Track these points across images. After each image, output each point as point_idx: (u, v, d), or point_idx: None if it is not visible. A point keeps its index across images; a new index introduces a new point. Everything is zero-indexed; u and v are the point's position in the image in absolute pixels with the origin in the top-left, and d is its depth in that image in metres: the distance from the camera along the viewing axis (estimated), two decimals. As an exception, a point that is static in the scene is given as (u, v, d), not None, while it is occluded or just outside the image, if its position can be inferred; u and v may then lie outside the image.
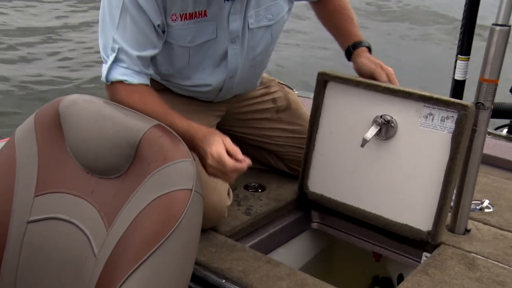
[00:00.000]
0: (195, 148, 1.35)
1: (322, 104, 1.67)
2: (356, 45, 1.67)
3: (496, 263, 1.44)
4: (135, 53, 1.36)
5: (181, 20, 1.40)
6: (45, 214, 1.26)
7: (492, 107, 1.50)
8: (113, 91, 1.39)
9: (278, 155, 1.84)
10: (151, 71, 1.43)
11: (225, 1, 1.43)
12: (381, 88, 1.54)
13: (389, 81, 1.58)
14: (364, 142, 1.51)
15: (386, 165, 1.56)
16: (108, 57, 1.37)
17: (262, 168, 1.87)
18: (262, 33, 1.57)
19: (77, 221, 1.25)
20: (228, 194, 1.55)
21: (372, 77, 1.59)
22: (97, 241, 1.21)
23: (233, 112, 1.74)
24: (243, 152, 1.88)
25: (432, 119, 1.49)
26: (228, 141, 1.34)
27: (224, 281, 1.26)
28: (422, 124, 1.50)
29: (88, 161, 1.25)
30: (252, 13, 1.50)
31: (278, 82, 1.87)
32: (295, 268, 1.34)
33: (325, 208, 1.67)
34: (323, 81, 1.65)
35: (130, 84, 1.38)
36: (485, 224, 1.66)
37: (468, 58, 2.02)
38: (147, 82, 1.42)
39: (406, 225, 1.55)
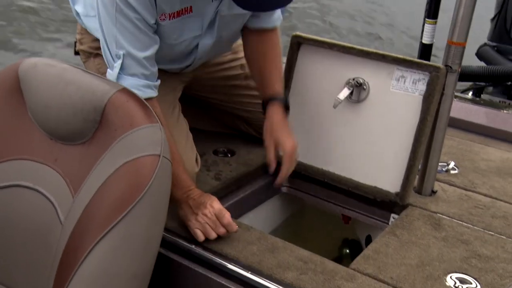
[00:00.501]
0: (183, 197, 1.34)
1: (294, 67, 1.67)
2: (273, 98, 1.55)
3: (461, 222, 1.49)
4: (141, 54, 1.33)
5: (169, 19, 1.37)
6: (7, 181, 1.24)
7: (459, 70, 1.52)
8: None
9: (247, 121, 1.84)
10: (156, 68, 1.39)
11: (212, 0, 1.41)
12: (354, 51, 1.55)
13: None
14: (337, 102, 1.52)
15: (357, 128, 1.58)
16: (113, 62, 1.34)
17: (231, 132, 1.86)
18: (234, 20, 1.54)
19: (42, 189, 1.23)
20: (196, 161, 1.55)
21: (276, 146, 1.53)
22: (63, 209, 1.20)
23: (200, 78, 1.72)
24: (211, 117, 1.90)
25: (404, 82, 1.51)
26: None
27: (194, 246, 1.27)
28: (394, 87, 1.52)
29: (51, 127, 1.22)
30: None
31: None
32: (265, 232, 1.35)
33: (294, 171, 1.68)
34: (297, 43, 1.65)
35: None
36: (451, 185, 1.70)
37: (435, 21, 2.01)
38: (155, 93, 1.38)
39: (375, 187, 1.58)
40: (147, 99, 1.28)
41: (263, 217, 1.73)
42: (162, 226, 1.14)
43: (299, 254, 1.27)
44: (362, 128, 1.58)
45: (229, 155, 1.74)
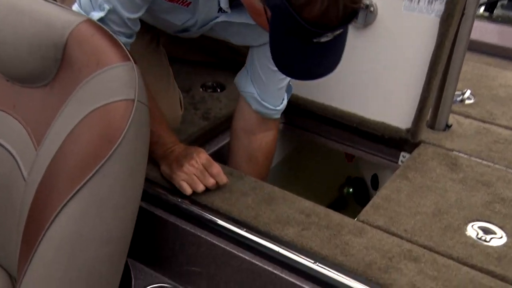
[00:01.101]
0: (167, 153, 1.19)
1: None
2: None
3: (480, 160, 1.35)
4: (126, 14, 1.12)
5: (165, 1, 1.17)
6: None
7: (482, -15, 1.33)
8: None
9: (239, 50, 1.65)
10: (138, 27, 1.19)
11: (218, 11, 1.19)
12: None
13: None
14: None
15: (363, 57, 1.41)
16: (91, 9, 1.13)
17: (219, 63, 1.69)
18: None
19: (0, 139, 1.08)
20: (180, 102, 1.38)
21: None
22: (25, 163, 1.05)
23: None
24: (196, 46, 1.71)
25: (418, 2, 1.32)
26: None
27: (180, 200, 1.13)
28: (406, 8, 1.34)
29: (5, 67, 1.05)
30: None
31: None
32: (260, 181, 1.21)
33: (292, 107, 1.53)
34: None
35: None
36: (467, 117, 1.56)
37: None
38: (132, 40, 1.19)
39: (383, 123, 1.43)
40: None
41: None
42: (141, 182, 1.00)
43: (300, 206, 1.14)
44: (369, 57, 1.41)
45: (219, 90, 1.58)
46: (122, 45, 0.99)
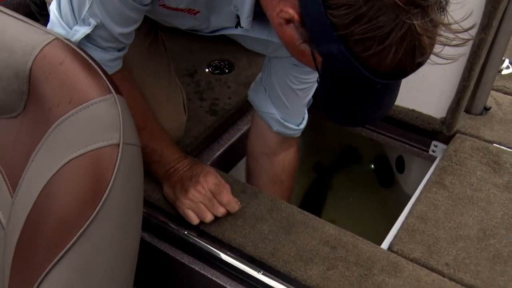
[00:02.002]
0: (169, 172, 0.94)
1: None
2: None
3: (525, 155, 1.10)
4: (118, 30, 0.82)
5: (166, 9, 0.84)
6: None
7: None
8: None
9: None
10: (132, 39, 0.88)
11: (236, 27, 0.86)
12: None
13: None
14: None
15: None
16: (73, 23, 0.82)
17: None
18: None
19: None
20: (184, 106, 1.11)
21: None
22: (2, 209, 0.81)
23: None
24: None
25: (459, -24, 1.00)
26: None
27: (186, 232, 0.90)
28: (445, -16, 1.02)
29: (-33, 94, 0.80)
30: None
31: None
32: (277, 199, 0.97)
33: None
34: None
35: None
36: (506, 93, 1.27)
37: None
38: (121, 64, 0.89)
39: (414, 110, 1.17)
40: (113, 75, 0.86)
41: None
42: (136, 239, 0.77)
43: (324, 234, 0.91)
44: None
45: (227, 71, 1.30)
46: (100, 72, 0.73)
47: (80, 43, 0.82)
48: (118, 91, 0.73)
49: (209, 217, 0.90)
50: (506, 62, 1.35)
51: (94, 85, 0.71)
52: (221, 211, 0.90)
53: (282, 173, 1.10)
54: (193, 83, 1.24)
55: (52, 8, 0.84)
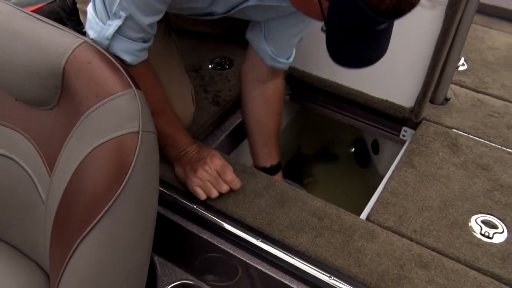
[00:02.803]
0: (180, 155, 0.95)
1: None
2: (276, 169, 1.13)
3: (478, 139, 1.11)
4: (146, 21, 0.81)
5: None
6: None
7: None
8: None
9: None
10: (155, 29, 0.88)
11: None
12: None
13: None
14: None
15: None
16: (107, 20, 0.81)
17: (226, 34, 1.39)
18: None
19: (19, 159, 0.85)
20: (192, 98, 1.11)
21: None
22: (42, 186, 0.82)
23: None
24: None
25: (426, -14, 1.00)
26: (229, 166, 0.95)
27: (195, 206, 0.91)
28: (413, -7, 1.02)
29: (11, 90, 0.79)
30: None
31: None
32: (271, 177, 0.98)
33: (298, 82, 1.26)
34: None
35: (129, 65, 0.86)
36: (462, 86, 1.29)
37: None
38: (147, 54, 0.88)
39: (386, 100, 1.17)
40: (137, 66, 0.86)
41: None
42: (154, 213, 0.78)
43: (312, 207, 0.92)
44: (374, 38, 1.11)
45: (227, 67, 1.30)
46: (122, 70, 0.73)
47: (113, 37, 0.82)
48: (137, 86, 0.74)
49: (214, 193, 0.91)
50: (462, 60, 1.37)
51: (117, 81, 0.71)
52: (225, 188, 0.91)
53: (273, 96, 1.10)
54: (198, 77, 1.24)
55: (89, 8, 0.84)
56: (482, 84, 1.29)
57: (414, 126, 1.17)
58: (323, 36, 1.17)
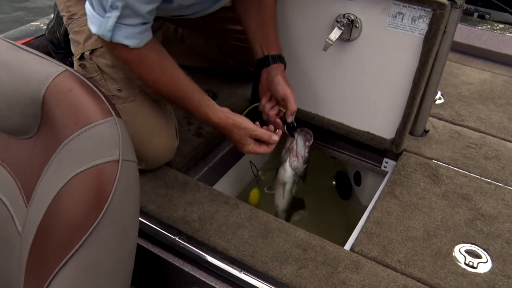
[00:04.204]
0: (220, 132, 1.03)
1: (275, 5, 1.15)
2: (277, 58, 1.05)
3: (457, 170, 1.11)
4: (144, 8, 0.82)
5: None
6: None
7: (463, 4, 1.04)
8: (117, 53, 0.89)
9: (230, 53, 1.35)
10: (154, 15, 0.88)
11: None
12: (344, -15, 1.04)
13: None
14: (327, 45, 1.05)
15: (349, 70, 1.13)
16: (104, 13, 0.82)
17: (211, 68, 1.38)
18: None
19: (-5, 190, 0.81)
20: (176, 132, 1.09)
21: (283, 99, 1.04)
22: (19, 217, 0.78)
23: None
24: (191, 49, 1.40)
25: (402, 19, 1.02)
26: (256, 134, 1.01)
27: (177, 238, 0.87)
28: (390, 25, 1.04)
29: (-13, 117, 0.77)
30: None
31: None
32: (255, 208, 0.96)
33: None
34: (275, -24, 1.12)
35: (135, 49, 0.86)
36: (440, 119, 1.30)
37: None
38: (151, 34, 0.89)
39: (367, 132, 1.17)
40: (142, 48, 0.87)
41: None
42: (133, 244, 0.74)
43: (296, 238, 0.89)
44: (355, 70, 1.12)
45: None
46: (103, 97, 0.71)
47: (115, 27, 0.83)
48: (118, 114, 0.71)
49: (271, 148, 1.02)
50: (439, 94, 1.38)
51: (97, 109, 0.69)
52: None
53: (268, 13, 1.08)
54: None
55: (87, 5, 0.85)
56: (459, 117, 1.30)
57: (395, 157, 1.16)
58: (303, 71, 1.18)
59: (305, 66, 1.18)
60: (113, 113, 0.70)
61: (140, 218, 0.93)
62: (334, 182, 1.47)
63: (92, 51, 0.96)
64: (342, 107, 1.18)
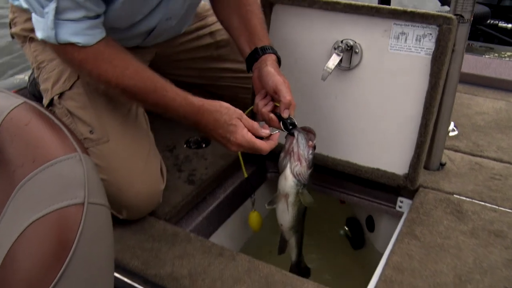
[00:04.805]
0: (204, 130, 0.86)
1: (268, 34, 1.10)
2: (267, 49, 0.95)
3: (484, 204, 0.99)
4: None
5: None
6: None
7: (471, 19, 0.97)
8: (69, 57, 0.82)
9: (224, 99, 1.28)
10: (103, 7, 0.82)
11: None
12: (340, 6, 0.98)
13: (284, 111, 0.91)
14: (326, 73, 0.98)
15: (352, 101, 1.05)
16: (41, 8, 0.77)
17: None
18: None
19: None
20: (162, 172, 1.00)
21: (275, 92, 0.91)
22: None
23: (164, 54, 1.15)
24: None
25: (405, 40, 0.96)
26: (245, 118, 0.85)
27: (164, 297, 0.75)
28: (393, 47, 0.97)
29: None
30: None
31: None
32: (255, 260, 0.83)
33: (278, 155, 1.16)
34: (268, 3, 1.07)
35: (88, 47, 0.79)
36: (456, 151, 1.19)
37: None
38: (103, 31, 0.82)
39: (377, 169, 1.06)
40: (95, 45, 0.80)
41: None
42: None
43: (303, 291, 0.76)
44: (358, 100, 1.04)
45: (204, 145, 1.20)
46: (66, 131, 0.62)
47: (56, 24, 0.76)
48: (83, 150, 0.62)
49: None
50: (452, 125, 1.29)
51: (58, 144, 0.60)
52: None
53: (251, 6, 0.99)
54: (172, 157, 1.14)
55: (32, 14, 0.80)
56: (477, 148, 1.20)
57: (411, 194, 1.05)
58: (302, 106, 1.10)
59: (303, 101, 1.10)
60: (78, 149, 0.61)
61: (122, 277, 0.81)
62: (343, 231, 1.33)
63: (60, 95, 0.92)
64: (347, 143, 1.08)
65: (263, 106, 0.92)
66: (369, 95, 1.03)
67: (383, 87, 1.01)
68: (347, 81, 1.04)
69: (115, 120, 0.91)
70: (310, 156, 0.93)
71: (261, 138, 0.86)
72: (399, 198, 1.08)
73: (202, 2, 1.25)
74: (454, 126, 1.31)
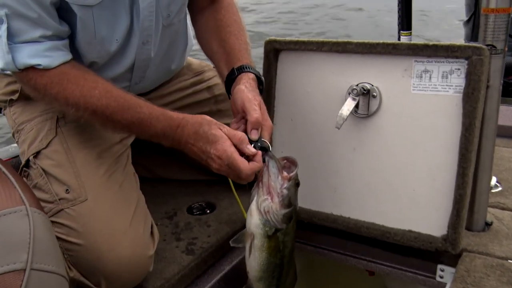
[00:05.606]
0: (184, 147, 0.77)
1: (275, 83, 1.01)
2: (244, 68, 0.88)
3: (548, 269, 0.81)
4: (35, 8, 0.70)
5: None
6: None
7: (506, 49, 0.86)
8: (33, 82, 0.75)
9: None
10: (65, 27, 0.77)
11: None
12: (352, 46, 0.90)
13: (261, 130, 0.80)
14: (340, 120, 0.86)
15: (374, 152, 0.92)
16: None
17: (209, 179, 1.19)
18: None
19: None
20: (152, 233, 0.87)
21: (243, 111, 0.81)
22: None
23: None
24: (181, 162, 1.23)
25: (430, 78, 0.85)
26: (228, 130, 0.77)
27: None
28: (416, 87, 0.86)
29: None
30: None
31: (214, 67, 1.18)
32: None
33: (297, 221, 1.02)
34: (274, 51, 0.99)
35: (50, 69, 0.74)
36: (503, 209, 1.02)
37: (410, 32, 1.68)
38: (67, 54, 0.77)
39: (409, 231, 0.91)
40: (59, 67, 0.74)
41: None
42: None
43: None
44: (380, 151, 0.91)
45: (208, 211, 1.07)
46: (14, 182, 0.51)
47: (12, 48, 0.71)
48: (36, 204, 0.51)
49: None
50: (494, 180, 1.13)
51: (3, 196, 0.49)
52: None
53: (227, 25, 0.94)
54: (172, 224, 1.01)
55: None
56: (528, 204, 1.04)
57: (453, 261, 0.88)
58: (316, 163, 0.98)
59: (318, 156, 0.98)
60: (25, 202, 0.50)
61: None
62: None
63: (36, 154, 0.85)
64: (371, 202, 0.94)
65: (235, 129, 0.79)
66: (392, 144, 0.90)
67: (408, 134, 0.88)
68: (366, 130, 0.92)
69: (96, 177, 0.81)
70: (285, 192, 0.76)
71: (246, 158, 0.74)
72: (439, 266, 0.91)
73: (198, 61, 1.20)
74: (497, 181, 1.16)
